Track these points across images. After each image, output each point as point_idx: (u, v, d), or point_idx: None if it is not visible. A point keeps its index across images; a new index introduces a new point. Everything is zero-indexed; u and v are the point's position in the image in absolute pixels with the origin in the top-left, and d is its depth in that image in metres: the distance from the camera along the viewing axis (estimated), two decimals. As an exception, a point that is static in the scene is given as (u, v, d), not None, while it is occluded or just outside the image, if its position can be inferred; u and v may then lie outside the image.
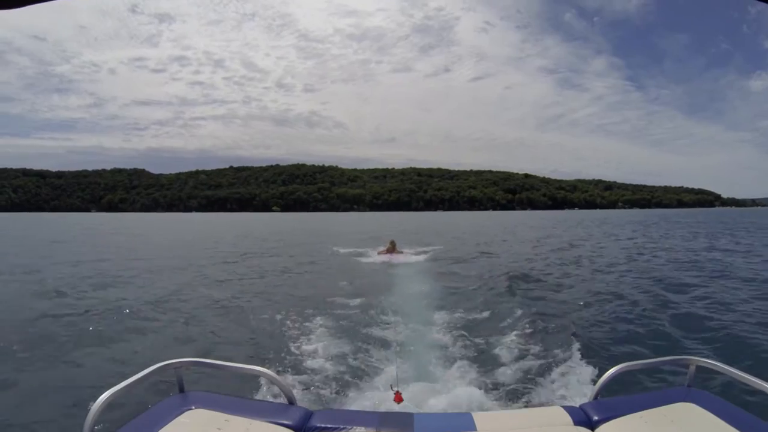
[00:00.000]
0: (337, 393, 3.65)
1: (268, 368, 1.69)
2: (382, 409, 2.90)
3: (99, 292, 8.27)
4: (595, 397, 1.62)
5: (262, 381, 3.48)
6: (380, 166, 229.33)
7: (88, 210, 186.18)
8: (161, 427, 1.38)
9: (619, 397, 1.66)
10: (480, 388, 3.66)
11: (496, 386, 3.73)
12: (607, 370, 1.63)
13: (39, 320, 6.14)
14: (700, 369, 1.64)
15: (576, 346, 4.68)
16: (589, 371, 3.91)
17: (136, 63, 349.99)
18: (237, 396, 1.71)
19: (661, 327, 5.46)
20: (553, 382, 3.79)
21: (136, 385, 1.46)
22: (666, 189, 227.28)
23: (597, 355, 4.46)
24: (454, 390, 3.59)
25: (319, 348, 4.77)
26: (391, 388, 2.53)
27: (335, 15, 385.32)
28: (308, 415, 1.55)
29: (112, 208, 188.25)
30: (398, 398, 2.39)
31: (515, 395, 3.57)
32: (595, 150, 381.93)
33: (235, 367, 1.76)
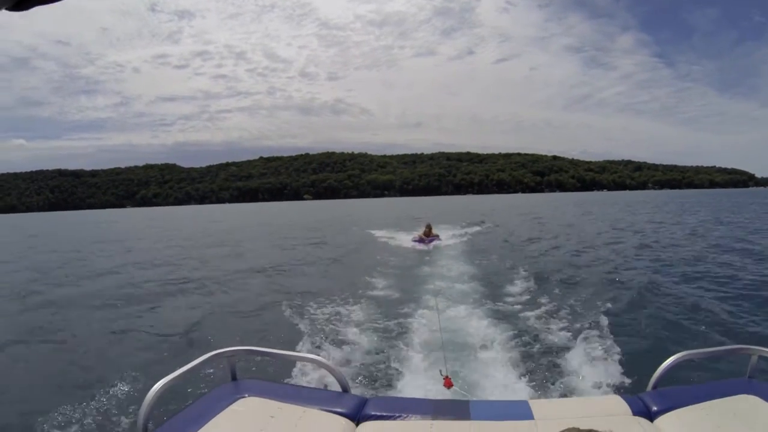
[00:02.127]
0: (387, 379, 3.62)
1: (319, 356, 1.63)
2: (434, 394, 2.85)
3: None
4: (654, 387, 1.58)
5: (315, 369, 3.42)
6: (408, 152, 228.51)
7: (123, 206, 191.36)
8: (215, 415, 1.37)
9: (678, 387, 1.62)
10: (532, 375, 3.58)
11: (549, 373, 3.63)
12: (666, 358, 1.59)
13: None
14: (763, 360, 1.58)
15: (634, 333, 4.56)
16: (646, 359, 3.72)
17: (159, 60, 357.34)
18: (289, 384, 1.62)
19: (724, 314, 5.19)
20: (608, 369, 3.68)
21: (189, 374, 1.46)
22: (697, 169, 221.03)
23: (655, 343, 4.30)
24: (505, 376, 3.52)
25: (366, 335, 4.71)
26: (441, 373, 2.51)
27: (355, 1, 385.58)
28: (363, 402, 1.52)
29: (145, 203, 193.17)
30: (448, 383, 2.36)
31: (570, 383, 3.47)
32: (624, 130, 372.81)
33: (288, 355, 1.74)
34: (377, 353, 4.23)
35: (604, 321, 4.94)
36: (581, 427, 0.81)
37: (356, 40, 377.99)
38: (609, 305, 5.64)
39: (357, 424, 1.42)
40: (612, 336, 4.40)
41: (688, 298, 6.11)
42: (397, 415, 1.43)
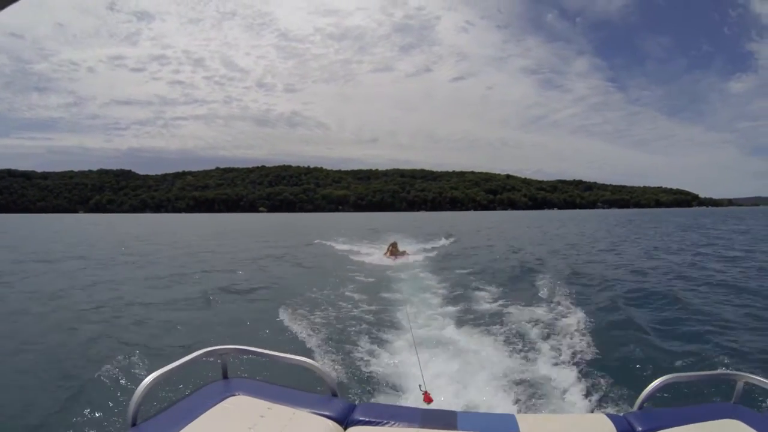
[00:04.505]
0: (372, 387, 3.68)
1: (311, 359, 1.71)
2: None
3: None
4: (639, 407, 1.59)
5: (305, 372, 4.30)
6: (363, 167, 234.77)
7: (75, 211, 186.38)
8: (204, 411, 1.40)
9: (663, 409, 1.62)
10: (515, 390, 3.58)
11: (533, 389, 3.61)
12: (653, 379, 1.60)
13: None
14: (749, 386, 1.59)
15: (621, 353, 4.54)
16: (633, 380, 3.77)
17: (116, 62, 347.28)
18: (280, 385, 1.71)
19: (712, 338, 5.15)
20: (594, 387, 3.65)
21: (181, 369, 1.49)
22: (645, 189, 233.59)
23: (642, 364, 4.27)
24: (487, 391, 3.53)
25: (349, 343, 4.80)
26: (420, 388, 2.52)
27: (315, 14, 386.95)
28: (351, 408, 1.54)
29: (99, 209, 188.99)
30: (427, 398, 2.37)
31: (554, 399, 3.44)
32: (577, 151, 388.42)
33: (279, 356, 1.76)
34: (360, 362, 4.29)
35: (591, 338, 4.92)
36: None
37: (315, 52, 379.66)
38: (596, 322, 5.64)
39: (345, 429, 1.45)
40: (598, 354, 4.40)
41: (679, 319, 6.09)
42: (384, 421, 1.45)
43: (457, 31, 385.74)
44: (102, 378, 4.02)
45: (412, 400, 3.11)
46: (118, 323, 6.20)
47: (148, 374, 1.41)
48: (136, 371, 4.07)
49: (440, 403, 2.73)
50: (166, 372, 1.44)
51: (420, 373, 2.81)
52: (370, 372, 4.10)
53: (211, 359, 1.69)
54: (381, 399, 3.50)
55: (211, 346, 1.69)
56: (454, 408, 2.55)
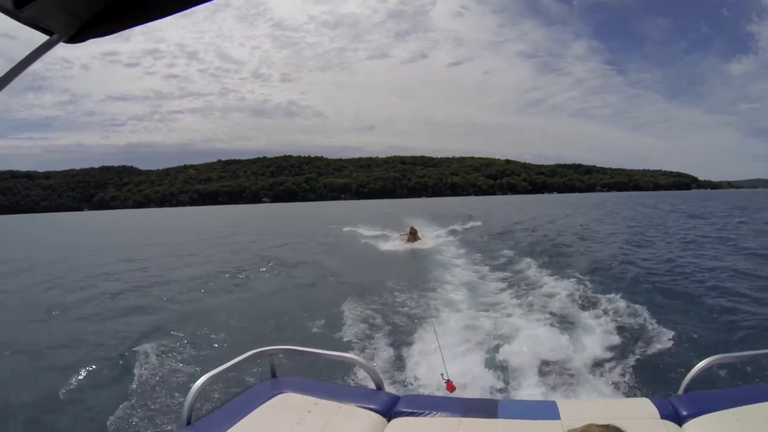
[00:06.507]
0: (412, 379, 3.70)
1: (356, 355, 1.78)
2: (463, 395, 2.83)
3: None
4: (685, 390, 1.56)
5: (351, 367, 3.53)
6: (362, 155, 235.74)
7: (80, 209, 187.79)
8: (254, 409, 1.47)
9: (710, 391, 1.58)
10: (556, 376, 3.48)
11: (571, 374, 3.51)
12: (699, 361, 1.55)
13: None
14: None
15: (665, 332, 4.34)
16: (679, 361, 3.62)
17: (109, 58, 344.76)
18: (326, 381, 1.79)
19: (761, 317, 4.92)
20: (639, 370, 3.53)
21: (232, 370, 1.60)
22: (644, 172, 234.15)
23: (688, 345, 4.11)
24: (526, 378, 3.44)
25: (371, 338, 4.79)
26: (442, 376, 2.53)
27: (309, 2, 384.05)
28: (395, 400, 1.60)
29: (103, 206, 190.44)
30: (450, 387, 2.39)
31: (594, 384, 3.34)
32: (577, 134, 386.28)
33: (325, 354, 1.86)
34: (398, 353, 4.34)
35: (631, 319, 4.71)
36: (599, 424, 0.81)
37: (310, 41, 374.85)
38: (636, 302, 5.43)
39: (389, 420, 1.50)
40: (640, 336, 4.20)
41: (727, 298, 5.80)
42: (428, 412, 1.49)
43: (452, 16, 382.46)
44: (156, 378, 4.16)
45: (435, 389, 3.14)
46: (168, 322, 6.23)
47: (201, 375, 1.47)
48: (190, 372, 4.12)
49: (460, 391, 2.79)
50: (218, 373, 1.51)
51: (442, 361, 2.83)
52: (408, 363, 4.14)
53: (261, 360, 1.75)
54: (427, 388, 3.46)
55: (260, 347, 1.75)
56: (493, 395, 2.82)
